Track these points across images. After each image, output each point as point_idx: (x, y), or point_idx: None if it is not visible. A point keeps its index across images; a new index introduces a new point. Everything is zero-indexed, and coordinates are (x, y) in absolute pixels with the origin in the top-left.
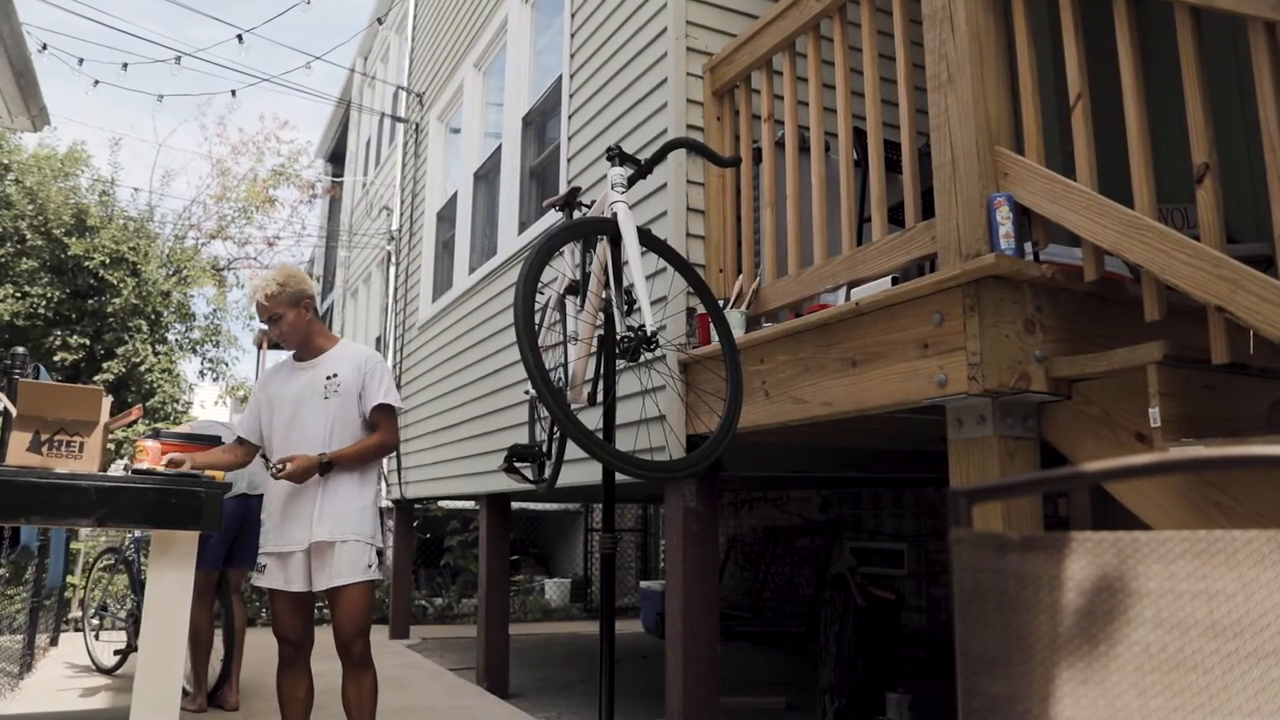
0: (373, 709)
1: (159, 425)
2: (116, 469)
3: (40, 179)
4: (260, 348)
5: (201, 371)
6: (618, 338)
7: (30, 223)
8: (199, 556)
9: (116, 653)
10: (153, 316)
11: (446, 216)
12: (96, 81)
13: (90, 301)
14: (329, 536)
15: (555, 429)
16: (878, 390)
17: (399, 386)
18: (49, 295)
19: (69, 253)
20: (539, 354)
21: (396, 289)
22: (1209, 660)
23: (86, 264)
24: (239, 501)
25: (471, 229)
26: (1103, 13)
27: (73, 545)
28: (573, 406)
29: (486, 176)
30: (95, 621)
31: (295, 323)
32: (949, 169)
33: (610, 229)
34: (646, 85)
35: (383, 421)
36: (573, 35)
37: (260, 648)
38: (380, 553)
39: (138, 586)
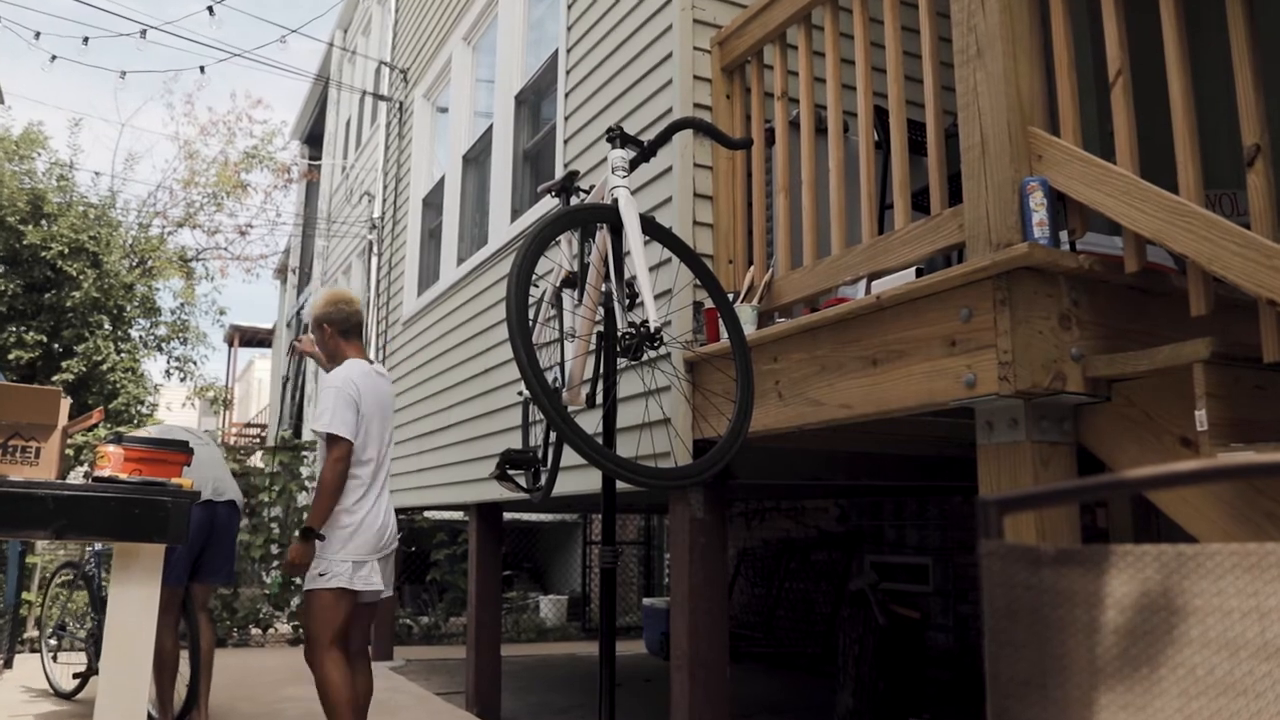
0: (328, 713)
1: (122, 429)
2: (76, 477)
3: None
4: (231, 345)
5: (168, 371)
6: (618, 334)
7: None
8: (163, 571)
9: (76, 676)
10: (115, 311)
11: (433, 203)
12: (54, 57)
13: (48, 295)
14: None
15: (551, 433)
16: (901, 391)
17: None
18: (3, 288)
19: (24, 242)
20: (533, 352)
21: (378, 281)
22: (1261, 684)
23: (43, 254)
24: (204, 509)
25: (460, 216)
26: None
27: (29, 559)
28: (570, 409)
29: (477, 160)
30: (53, 642)
31: (319, 341)
32: (978, 151)
33: (611, 216)
34: (650, 60)
35: (325, 450)
36: (570, 6)
37: (230, 669)
38: (359, 564)
39: (98, 604)
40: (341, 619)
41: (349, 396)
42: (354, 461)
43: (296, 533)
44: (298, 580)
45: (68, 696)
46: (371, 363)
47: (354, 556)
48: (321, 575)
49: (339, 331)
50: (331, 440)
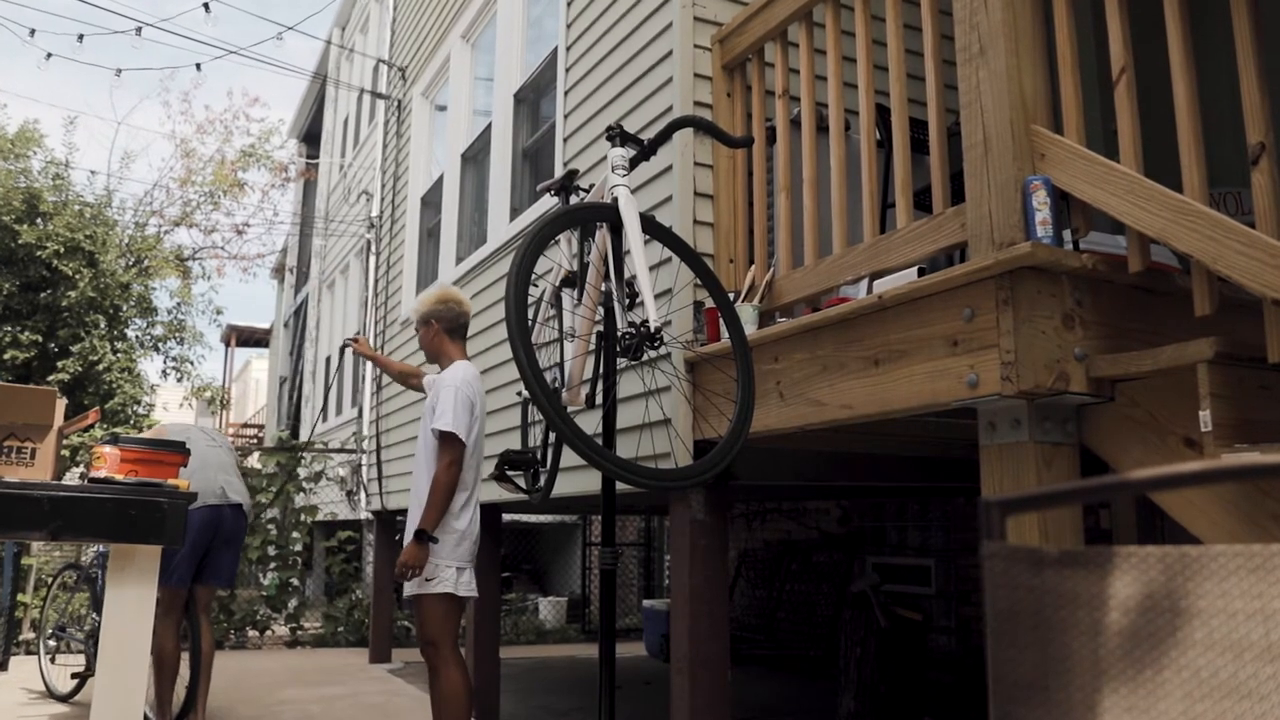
0: (449, 712)
1: (118, 430)
2: (72, 477)
3: None
4: (228, 345)
5: (164, 371)
6: (618, 334)
7: None
8: (165, 571)
9: (74, 676)
10: (111, 311)
11: (431, 202)
12: (49, 54)
13: (43, 294)
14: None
15: (550, 434)
16: (903, 391)
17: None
18: None
19: (19, 241)
20: (533, 352)
21: (377, 281)
22: (1265, 686)
23: (39, 254)
24: (210, 511)
25: (459, 215)
26: None
27: (24, 561)
28: (569, 409)
29: (475, 158)
30: (52, 643)
31: (423, 338)
32: (980, 150)
33: (610, 215)
34: (650, 58)
35: (438, 451)
36: (570, 3)
37: (227, 672)
38: (460, 569)
39: (100, 605)
40: (457, 623)
41: (467, 398)
42: (465, 465)
43: (403, 536)
44: (294, 582)
45: (65, 699)
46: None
47: (458, 562)
48: (429, 580)
49: (446, 330)
50: (449, 441)
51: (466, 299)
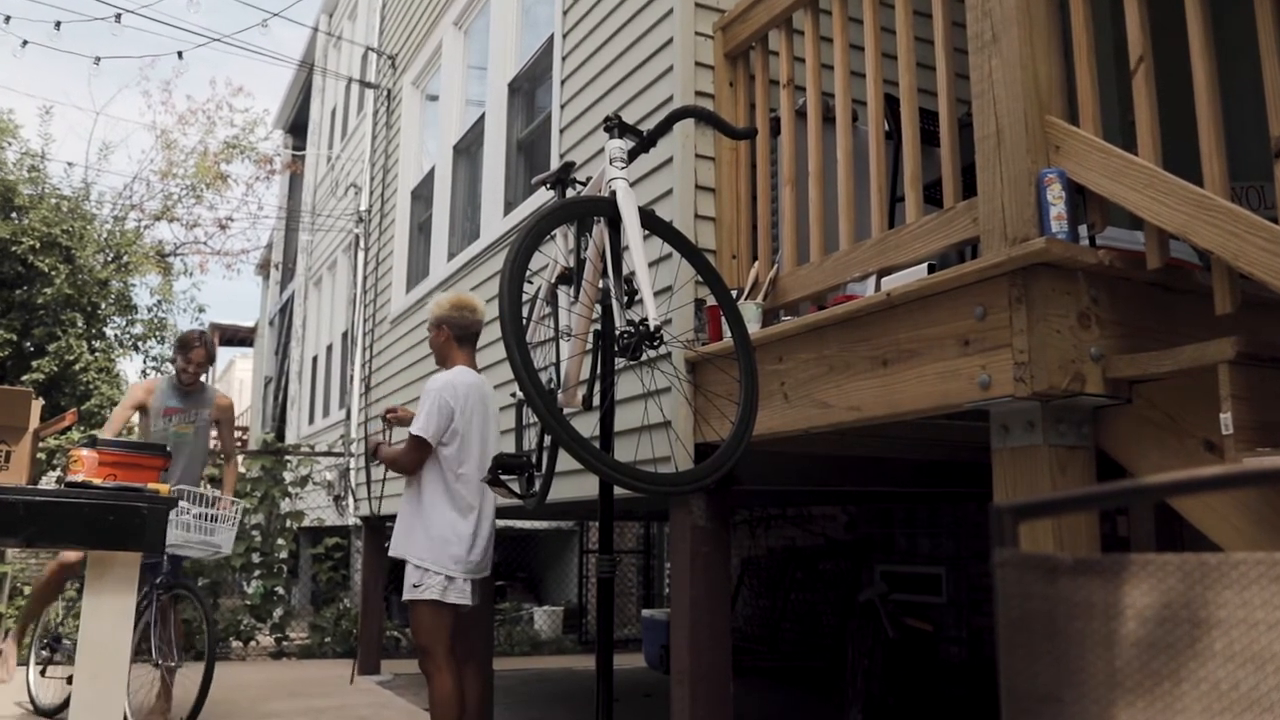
0: (436, 718)
1: (96, 432)
2: (48, 482)
3: None
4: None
5: (144, 371)
6: (617, 333)
7: None
8: None
9: (70, 682)
10: (89, 308)
11: (422, 195)
12: (25, 42)
13: (18, 291)
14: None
15: (546, 437)
16: (912, 393)
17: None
18: None
19: None
20: (527, 352)
21: (365, 277)
22: None
23: (14, 249)
24: None
25: (451, 210)
26: None
27: None
28: (566, 411)
29: (468, 150)
30: (45, 654)
31: (432, 341)
32: (993, 141)
33: (608, 209)
34: (650, 46)
35: (406, 446)
36: None
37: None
38: (450, 578)
39: None
40: (446, 631)
41: (446, 403)
42: (450, 474)
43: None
44: (280, 591)
45: (51, 714)
46: (479, 372)
47: (446, 570)
48: (416, 587)
49: (455, 336)
50: (416, 443)
51: (482, 307)
